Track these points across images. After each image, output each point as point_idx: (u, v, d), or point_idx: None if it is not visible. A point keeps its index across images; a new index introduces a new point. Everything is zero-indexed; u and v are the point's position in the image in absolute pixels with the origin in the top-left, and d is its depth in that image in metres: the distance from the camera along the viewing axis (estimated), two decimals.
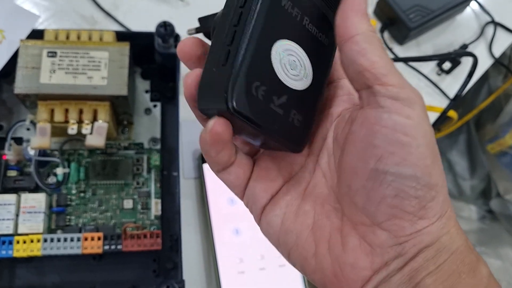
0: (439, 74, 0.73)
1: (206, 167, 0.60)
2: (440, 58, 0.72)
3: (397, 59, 0.71)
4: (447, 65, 0.73)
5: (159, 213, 0.56)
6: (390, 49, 0.73)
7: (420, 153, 0.23)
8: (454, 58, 0.73)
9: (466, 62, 0.73)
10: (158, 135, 0.60)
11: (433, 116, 0.69)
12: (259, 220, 0.29)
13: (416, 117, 0.23)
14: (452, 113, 0.68)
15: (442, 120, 0.67)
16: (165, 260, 0.55)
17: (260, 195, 0.28)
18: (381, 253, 0.24)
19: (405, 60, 0.71)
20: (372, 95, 0.24)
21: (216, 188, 0.59)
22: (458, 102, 0.61)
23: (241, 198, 0.29)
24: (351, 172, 0.25)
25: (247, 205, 0.29)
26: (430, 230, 0.24)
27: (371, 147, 0.24)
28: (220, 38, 0.25)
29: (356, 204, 0.25)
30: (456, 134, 1.22)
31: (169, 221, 0.56)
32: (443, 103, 0.68)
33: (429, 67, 0.73)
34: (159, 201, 0.56)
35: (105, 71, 0.51)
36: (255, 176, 0.28)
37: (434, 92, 0.72)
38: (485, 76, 1.08)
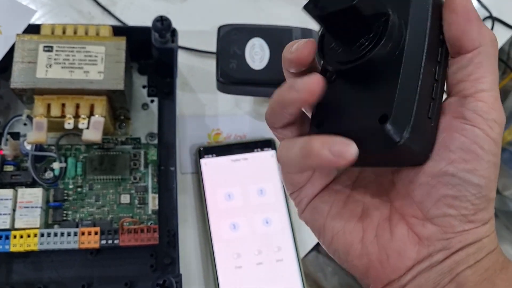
0: None
1: (203, 162, 0.60)
2: None
3: None
4: None
5: (156, 208, 0.56)
6: None
7: (489, 167, 0.26)
8: None
9: None
10: (155, 130, 0.60)
11: None
12: (304, 206, 0.32)
13: (494, 137, 0.26)
14: None
15: None
16: (163, 255, 0.55)
17: (315, 187, 0.31)
18: (427, 245, 0.27)
19: None
20: (461, 105, 0.26)
21: (214, 183, 0.59)
22: None
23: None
24: (417, 168, 0.27)
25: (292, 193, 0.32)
26: (476, 231, 0.26)
27: (446, 151, 0.26)
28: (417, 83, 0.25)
29: (414, 198, 0.28)
30: None
31: (166, 216, 0.56)
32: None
33: None
34: (156, 196, 0.56)
35: (102, 65, 0.51)
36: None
37: None
38: None
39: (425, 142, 0.26)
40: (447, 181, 0.26)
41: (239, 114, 0.65)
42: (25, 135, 0.56)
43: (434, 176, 0.26)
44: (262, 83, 0.54)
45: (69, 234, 0.52)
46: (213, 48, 0.59)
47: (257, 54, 0.55)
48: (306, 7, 0.27)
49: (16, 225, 0.51)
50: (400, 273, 0.28)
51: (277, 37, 0.56)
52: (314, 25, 0.66)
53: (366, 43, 0.26)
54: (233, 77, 0.54)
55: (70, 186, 0.56)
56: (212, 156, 0.60)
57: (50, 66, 0.50)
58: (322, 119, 0.28)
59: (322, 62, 0.29)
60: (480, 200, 0.26)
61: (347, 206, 0.30)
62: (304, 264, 1.13)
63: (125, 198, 0.56)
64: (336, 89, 0.28)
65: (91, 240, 0.52)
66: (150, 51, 0.60)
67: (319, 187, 0.31)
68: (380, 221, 0.29)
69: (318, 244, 0.63)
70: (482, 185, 0.26)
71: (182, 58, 0.66)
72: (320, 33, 0.29)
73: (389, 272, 0.28)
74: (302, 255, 0.58)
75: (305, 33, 0.57)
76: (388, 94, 0.25)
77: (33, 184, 0.55)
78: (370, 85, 0.26)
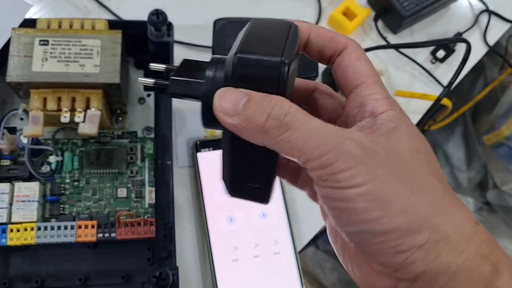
0: (433, 63, 0.73)
1: (200, 155, 0.60)
2: (432, 45, 0.72)
3: (389, 45, 0.71)
4: (441, 53, 0.73)
5: (153, 201, 0.56)
6: (384, 38, 0.73)
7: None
8: (447, 45, 0.73)
9: (460, 50, 0.73)
10: (152, 124, 0.60)
11: (427, 104, 0.70)
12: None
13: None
14: (446, 101, 0.68)
15: (436, 108, 0.67)
16: (159, 248, 0.55)
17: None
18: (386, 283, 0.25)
19: (397, 47, 0.71)
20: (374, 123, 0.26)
21: (210, 176, 0.59)
22: (452, 90, 0.62)
23: None
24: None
25: None
26: (413, 259, 0.23)
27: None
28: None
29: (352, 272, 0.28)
30: (452, 126, 1.22)
31: (163, 209, 0.56)
32: (437, 92, 0.67)
33: (423, 56, 0.73)
34: (153, 189, 0.56)
35: (98, 59, 0.51)
36: None
37: (428, 80, 0.72)
38: (481, 68, 1.08)
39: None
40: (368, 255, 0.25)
41: None
42: (21, 130, 0.56)
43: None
44: None
45: (65, 228, 0.52)
46: (209, 42, 0.59)
47: None
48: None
49: (13, 219, 0.51)
50: None
51: None
52: (309, 19, 0.66)
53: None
54: None
55: (67, 180, 0.56)
56: (209, 150, 0.60)
57: (46, 59, 0.50)
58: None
59: None
60: (400, 240, 0.23)
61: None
62: (303, 260, 1.14)
63: (121, 192, 0.56)
64: None
65: (88, 233, 0.52)
66: (146, 46, 0.60)
67: None
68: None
69: (316, 239, 0.63)
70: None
71: (179, 52, 0.66)
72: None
73: None
74: (299, 248, 0.58)
75: None
76: None
77: (30, 178, 0.55)
78: None
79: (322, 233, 0.64)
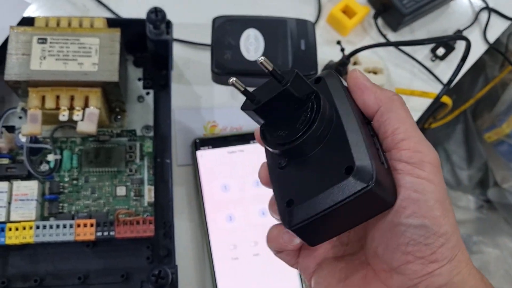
0: (433, 60, 0.73)
1: (199, 154, 0.60)
2: (432, 42, 0.72)
3: (388, 43, 0.71)
4: (441, 51, 0.73)
5: (152, 200, 0.56)
6: (384, 36, 0.72)
7: (428, 206, 0.27)
8: (447, 43, 0.73)
9: (460, 48, 0.73)
10: (151, 122, 0.60)
11: (427, 102, 0.69)
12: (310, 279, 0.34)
13: (425, 177, 0.27)
14: (446, 99, 0.68)
15: (436, 106, 0.67)
16: (159, 247, 0.55)
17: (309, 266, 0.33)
18: None
19: (397, 44, 0.71)
20: (390, 158, 0.28)
21: (210, 174, 0.59)
22: (452, 88, 0.61)
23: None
24: (374, 226, 0.29)
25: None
26: (441, 271, 0.27)
27: None
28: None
29: (377, 253, 0.29)
30: (453, 124, 1.22)
31: (162, 208, 0.56)
32: (437, 89, 0.67)
33: (423, 53, 0.73)
34: (152, 188, 0.56)
35: (96, 57, 0.51)
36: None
37: (428, 78, 0.72)
38: (481, 65, 1.08)
39: (387, 182, 0.27)
40: (397, 231, 0.27)
41: (235, 106, 0.65)
42: (20, 128, 0.56)
43: (386, 230, 0.28)
44: (256, 74, 0.54)
45: (64, 226, 0.52)
46: (208, 40, 0.59)
47: (251, 45, 0.55)
48: (244, 107, 0.31)
49: (12, 218, 0.51)
50: None
51: (271, 28, 0.56)
52: (309, 17, 0.66)
53: (305, 119, 0.29)
54: (228, 68, 0.54)
55: (66, 179, 0.56)
56: (208, 148, 0.60)
57: (44, 58, 0.50)
58: (291, 198, 0.29)
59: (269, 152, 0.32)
60: (431, 239, 0.26)
61: (333, 273, 0.32)
62: None
63: (121, 190, 0.56)
64: (291, 169, 0.30)
65: (87, 232, 0.52)
66: (145, 44, 0.59)
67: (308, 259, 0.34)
68: (360, 281, 0.30)
69: None
70: (427, 225, 0.26)
71: (178, 50, 0.66)
72: (261, 127, 0.32)
73: None
74: None
75: (300, 24, 0.57)
76: (341, 152, 0.28)
77: (28, 177, 0.55)
78: (321, 154, 0.29)
79: None
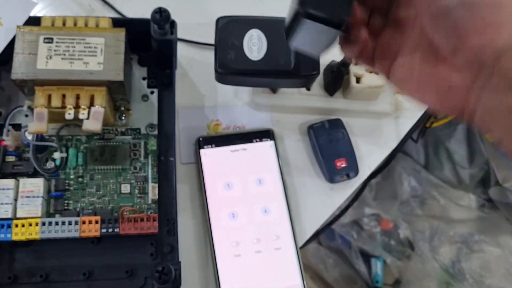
0: None
1: (203, 152, 0.60)
2: None
3: None
4: None
5: (156, 197, 0.56)
6: None
7: None
8: None
9: None
10: (155, 121, 0.60)
11: None
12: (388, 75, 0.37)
13: None
14: None
15: None
16: (162, 244, 0.55)
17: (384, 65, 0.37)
18: (466, 70, 0.30)
19: None
20: None
21: (213, 173, 0.60)
22: None
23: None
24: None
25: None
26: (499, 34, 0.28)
27: None
28: None
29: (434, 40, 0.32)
30: (455, 123, 1.22)
31: (166, 205, 0.57)
32: None
33: None
34: (156, 185, 0.57)
35: (101, 57, 0.52)
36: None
37: None
38: None
39: None
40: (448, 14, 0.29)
41: (238, 105, 0.66)
42: (26, 126, 0.56)
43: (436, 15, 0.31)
44: (259, 73, 0.55)
45: (70, 223, 0.52)
46: (212, 40, 0.60)
47: (255, 45, 0.55)
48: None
49: (18, 214, 0.52)
50: (461, 99, 0.31)
51: (275, 28, 0.57)
52: None
53: None
54: (231, 68, 0.54)
55: (71, 176, 0.57)
56: (212, 147, 0.61)
57: (51, 57, 0.51)
58: None
59: None
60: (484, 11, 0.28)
61: (404, 67, 0.35)
62: (305, 255, 1.14)
63: (125, 188, 0.57)
64: None
65: (91, 228, 0.53)
66: (150, 43, 0.60)
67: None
68: (430, 69, 0.33)
69: (317, 235, 0.64)
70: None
71: (182, 50, 0.67)
72: None
73: (452, 104, 0.32)
74: (300, 243, 0.59)
75: None
76: None
77: (34, 174, 0.56)
78: None
79: (324, 229, 0.65)
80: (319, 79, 0.64)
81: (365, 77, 0.61)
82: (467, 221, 1.23)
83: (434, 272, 1.16)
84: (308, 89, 0.64)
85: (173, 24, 0.58)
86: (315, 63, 0.56)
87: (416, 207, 1.23)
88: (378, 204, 1.22)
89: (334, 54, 0.68)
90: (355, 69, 0.62)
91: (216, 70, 0.55)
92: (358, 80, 0.62)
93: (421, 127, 0.83)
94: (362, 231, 1.21)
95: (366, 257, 1.20)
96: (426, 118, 0.70)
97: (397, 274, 1.20)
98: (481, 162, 1.23)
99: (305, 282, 0.56)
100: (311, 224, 0.61)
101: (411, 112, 0.69)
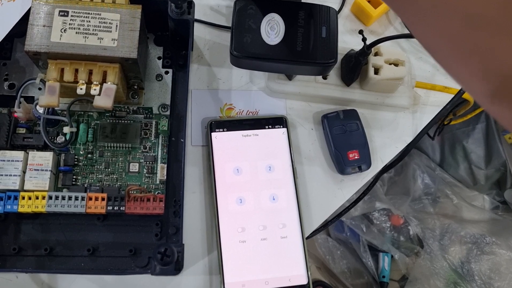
0: None
1: (214, 135, 0.60)
2: None
3: (411, 35, 0.70)
4: None
5: (164, 178, 0.56)
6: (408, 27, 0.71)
7: None
8: None
9: None
10: (168, 101, 0.60)
11: (448, 98, 0.68)
12: None
13: None
14: (467, 96, 0.67)
15: (457, 102, 0.66)
16: (168, 225, 0.55)
17: None
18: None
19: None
20: None
21: (223, 156, 0.59)
22: None
23: None
24: None
25: None
26: None
27: None
28: None
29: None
30: (474, 122, 1.20)
31: (174, 186, 0.56)
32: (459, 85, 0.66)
33: None
34: (165, 166, 0.57)
35: (116, 33, 0.51)
36: None
37: None
38: None
39: None
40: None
41: (253, 90, 0.65)
42: (38, 100, 0.56)
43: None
44: (275, 59, 0.54)
45: (76, 198, 0.52)
46: (229, 23, 0.59)
47: (272, 29, 0.54)
48: None
49: (26, 187, 0.52)
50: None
51: (294, 13, 0.56)
52: (333, 4, 0.65)
53: None
54: (247, 51, 0.53)
55: (81, 152, 0.57)
56: (223, 130, 0.60)
57: (65, 30, 0.50)
58: None
59: None
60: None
61: None
62: (313, 246, 1.14)
63: (134, 167, 0.57)
64: None
65: (98, 205, 0.52)
66: (166, 23, 0.59)
67: None
68: None
69: (325, 226, 0.63)
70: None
71: (199, 31, 0.66)
72: None
73: None
74: (307, 233, 0.58)
75: (323, 10, 0.56)
76: None
77: (44, 147, 0.56)
78: None
79: (333, 220, 0.64)
80: (336, 68, 0.63)
81: (384, 68, 0.60)
82: (480, 222, 1.21)
83: (442, 271, 1.15)
84: (325, 77, 0.63)
85: (190, 4, 0.57)
86: (333, 51, 0.54)
87: (428, 205, 1.22)
88: (390, 199, 1.21)
89: (353, 44, 0.67)
90: (374, 60, 0.60)
91: (231, 53, 0.54)
92: (376, 71, 0.60)
93: (439, 124, 0.81)
94: (372, 225, 1.20)
95: (374, 251, 1.19)
96: (444, 115, 0.68)
97: (404, 270, 1.19)
98: (498, 164, 1.20)
99: (309, 272, 0.55)
100: (319, 215, 0.60)
101: (429, 107, 0.67)
